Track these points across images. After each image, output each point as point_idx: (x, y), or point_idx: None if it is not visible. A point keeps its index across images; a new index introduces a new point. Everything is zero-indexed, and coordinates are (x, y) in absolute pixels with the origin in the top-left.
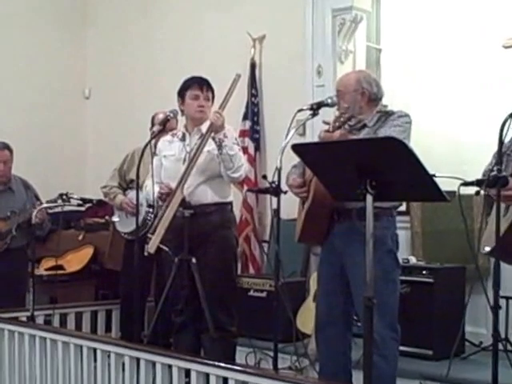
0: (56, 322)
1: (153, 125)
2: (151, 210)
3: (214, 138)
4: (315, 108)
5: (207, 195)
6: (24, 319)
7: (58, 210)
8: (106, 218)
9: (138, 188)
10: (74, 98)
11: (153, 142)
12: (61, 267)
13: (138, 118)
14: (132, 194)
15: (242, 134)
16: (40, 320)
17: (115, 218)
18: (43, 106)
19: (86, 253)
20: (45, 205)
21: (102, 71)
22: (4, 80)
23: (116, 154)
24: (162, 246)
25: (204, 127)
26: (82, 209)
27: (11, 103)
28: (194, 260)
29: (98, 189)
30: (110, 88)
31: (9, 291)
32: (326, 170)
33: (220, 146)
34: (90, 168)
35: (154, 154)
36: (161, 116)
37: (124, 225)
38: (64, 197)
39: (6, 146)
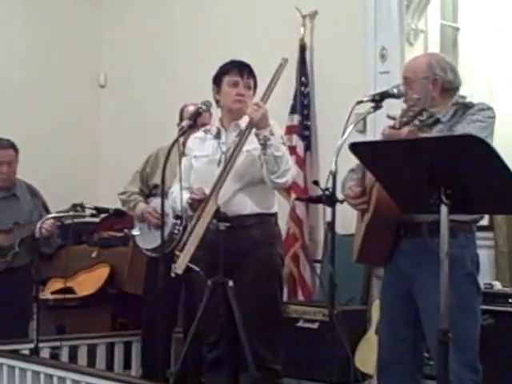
0: (64, 356)
1: (181, 119)
2: (179, 221)
3: (257, 135)
4: (378, 99)
5: (246, 205)
6: (26, 352)
7: (68, 221)
8: (125, 231)
9: (164, 195)
10: (88, 87)
11: (181, 139)
12: (70, 290)
13: (163, 111)
14: (156, 201)
15: (289, 130)
16: (45, 354)
17: (135, 232)
18: (51, 98)
19: (101, 273)
20: (53, 215)
21: (120, 54)
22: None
23: (137, 153)
24: (191, 265)
25: (243, 122)
26: (96, 220)
27: (15, 97)
28: (230, 283)
29: (114, 195)
30: (130, 74)
31: (9, 318)
32: (391, 174)
33: (264, 146)
34: (104, 170)
35: (182, 153)
36: (191, 108)
37: (146, 239)
38: (78, 208)
39: (11, 145)
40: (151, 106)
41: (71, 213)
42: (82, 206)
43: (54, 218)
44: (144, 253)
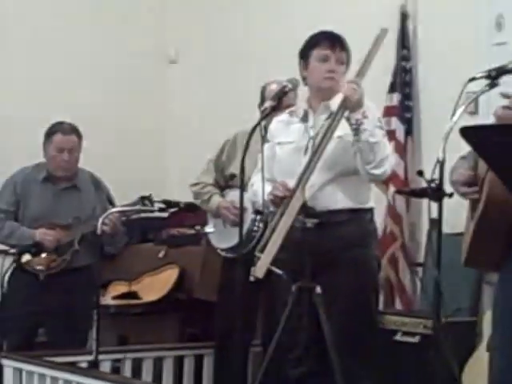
0: (127, 369)
1: (263, 99)
2: (259, 217)
3: (348, 119)
4: (494, 76)
5: (337, 199)
6: (85, 365)
7: (134, 216)
8: (197, 227)
9: (243, 187)
10: (156, 62)
11: (263, 123)
12: (134, 295)
13: (242, 90)
14: (233, 194)
15: (388, 112)
16: (106, 367)
17: (209, 229)
18: (116, 76)
19: (169, 276)
20: (118, 208)
21: (192, 24)
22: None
23: (211, 139)
24: (273, 268)
25: (334, 103)
26: (164, 215)
27: (75, 77)
28: (318, 289)
29: (185, 187)
30: (204, 48)
31: (65, 327)
32: (508, 163)
33: (357, 131)
34: (173, 158)
35: (264, 139)
36: (274, 87)
37: (221, 238)
38: (146, 201)
39: (74, 130)
40: (229, 85)
41: (138, 207)
42: (150, 200)
43: (119, 212)
44: (218, 253)
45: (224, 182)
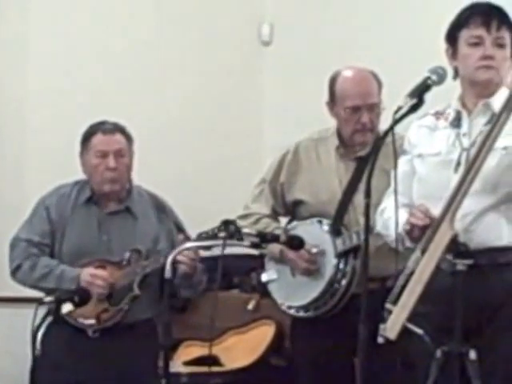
0: None
1: (333, 95)
2: (343, 261)
3: None
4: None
5: (501, 232)
6: None
7: (216, 252)
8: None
9: (368, 214)
10: (247, 44)
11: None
12: (215, 360)
13: None
14: (304, 230)
15: None
16: None
17: (269, 276)
18: (201, 60)
19: (262, 335)
20: (196, 243)
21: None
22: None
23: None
24: (411, 326)
25: (497, 101)
26: (255, 253)
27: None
28: (472, 354)
29: None
30: (304, 25)
31: None
32: None
33: None
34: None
35: (397, 150)
36: (350, 75)
37: (289, 291)
38: (231, 228)
39: (119, 129)
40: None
41: (221, 237)
42: (237, 226)
43: (199, 247)
44: (283, 311)
45: (284, 212)
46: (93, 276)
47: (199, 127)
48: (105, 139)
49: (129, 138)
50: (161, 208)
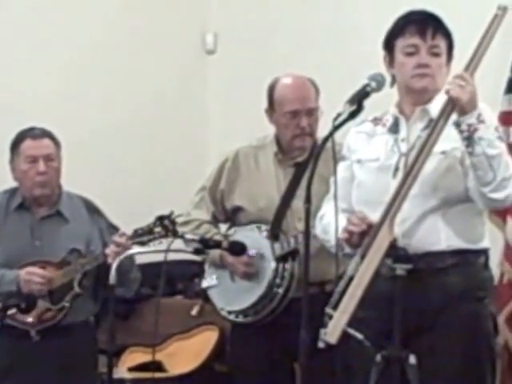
0: None
1: (271, 101)
2: (281, 265)
3: (458, 125)
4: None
5: (440, 237)
6: None
7: (156, 258)
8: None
9: (308, 220)
10: (191, 52)
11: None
12: (158, 366)
13: None
14: (243, 235)
15: (506, 119)
16: None
17: (209, 282)
18: (150, 66)
19: (205, 340)
20: (138, 249)
21: (233, 9)
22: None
23: None
24: (351, 330)
25: (435, 107)
26: (198, 259)
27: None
28: (412, 359)
29: None
30: (245, 36)
31: None
32: None
33: (470, 140)
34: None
35: (337, 156)
36: (289, 82)
37: (230, 296)
38: (166, 222)
39: (47, 134)
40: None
41: (157, 232)
42: (173, 221)
43: (141, 252)
44: (223, 316)
45: (224, 218)
46: (31, 274)
47: (143, 134)
48: (34, 144)
49: (57, 143)
50: (92, 209)
